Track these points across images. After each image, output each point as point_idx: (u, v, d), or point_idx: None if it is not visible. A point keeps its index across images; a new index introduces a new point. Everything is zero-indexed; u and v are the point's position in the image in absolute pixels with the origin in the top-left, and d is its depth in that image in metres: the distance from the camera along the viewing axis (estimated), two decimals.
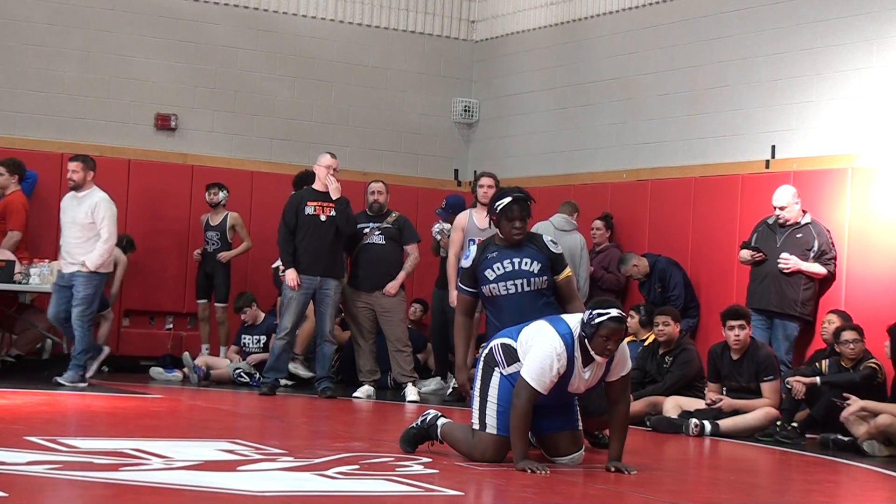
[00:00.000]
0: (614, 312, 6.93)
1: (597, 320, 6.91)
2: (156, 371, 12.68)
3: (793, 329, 10.89)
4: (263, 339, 12.74)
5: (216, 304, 13.33)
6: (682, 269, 12.11)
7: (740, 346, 10.00)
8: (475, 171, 14.99)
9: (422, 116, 15.32)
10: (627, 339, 8.55)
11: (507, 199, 7.57)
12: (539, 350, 6.99)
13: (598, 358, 6.98)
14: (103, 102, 13.84)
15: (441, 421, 7.42)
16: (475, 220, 11.26)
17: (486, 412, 7.16)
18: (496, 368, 7.20)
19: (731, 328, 9.98)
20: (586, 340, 6.95)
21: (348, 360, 12.67)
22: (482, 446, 7.15)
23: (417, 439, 7.46)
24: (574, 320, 7.06)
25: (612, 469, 7.06)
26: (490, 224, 7.76)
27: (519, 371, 7.04)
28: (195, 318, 13.62)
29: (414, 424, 7.51)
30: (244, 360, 12.69)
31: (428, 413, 7.54)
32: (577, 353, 7.01)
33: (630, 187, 13.17)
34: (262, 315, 12.90)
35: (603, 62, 13.83)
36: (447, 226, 11.87)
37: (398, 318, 11.80)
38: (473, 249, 7.77)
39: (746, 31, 12.26)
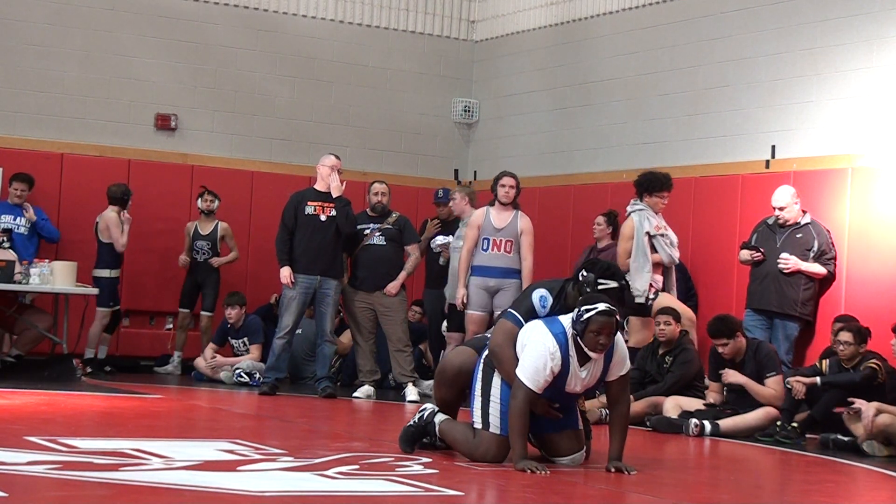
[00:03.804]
0: (602, 306, 6.90)
1: (585, 316, 6.89)
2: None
3: (793, 329, 10.89)
4: (246, 339, 12.90)
5: (202, 313, 13.30)
6: (682, 267, 12.09)
7: (733, 355, 10.04)
8: (474, 172, 15.08)
9: (422, 116, 15.32)
10: None
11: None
12: (532, 350, 6.99)
13: (592, 354, 6.97)
14: (103, 102, 13.84)
15: (438, 417, 7.42)
16: (492, 219, 11.21)
17: (490, 411, 7.15)
18: (496, 370, 7.21)
19: (716, 345, 10.06)
20: (578, 338, 6.95)
21: (349, 361, 12.69)
22: (485, 446, 7.14)
23: (416, 437, 7.45)
24: (568, 320, 7.05)
25: (613, 469, 7.06)
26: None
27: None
28: (196, 318, 13.53)
29: (411, 422, 7.50)
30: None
31: (425, 409, 7.53)
32: (573, 353, 7.00)
33: (630, 187, 13.12)
34: (243, 317, 12.95)
35: (603, 62, 13.83)
36: (450, 238, 11.90)
37: (399, 317, 11.79)
38: (550, 300, 7.31)
39: (746, 31, 12.26)
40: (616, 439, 7.14)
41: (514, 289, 11.04)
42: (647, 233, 10.87)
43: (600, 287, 7.17)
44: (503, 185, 11.19)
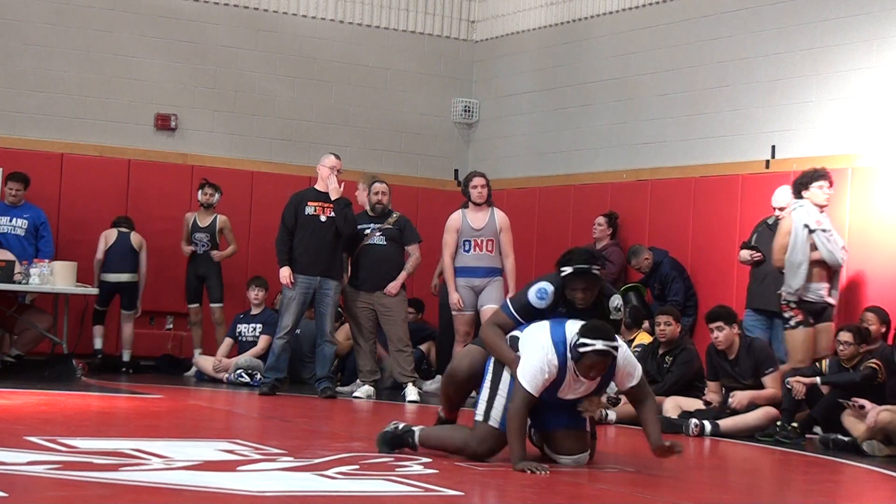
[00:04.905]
0: (600, 346, 6.84)
1: (581, 350, 6.88)
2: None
3: None
4: (259, 327, 12.76)
5: (212, 306, 13.28)
6: (684, 274, 12.10)
7: (725, 346, 10.02)
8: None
9: (422, 116, 15.32)
10: None
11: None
12: (531, 355, 6.99)
13: (583, 379, 7.01)
14: (103, 102, 13.84)
15: (417, 428, 7.33)
16: (469, 220, 11.35)
17: (494, 404, 7.12)
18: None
19: (711, 330, 10.04)
20: (573, 360, 6.95)
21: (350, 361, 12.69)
22: (480, 436, 7.08)
23: (394, 443, 7.34)
24: (573, 331, 6.99)
25: (660, 451, 7.02)
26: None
27: None
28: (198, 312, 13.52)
29: (388, 428, 7.37)
30: (239, 351, 12.73)
31: (397, 423, 7.41)
32: (571, 364, 6.99)
33: (630, 187, 13.18)
34: (263, 306, 12.92)
35: (603, 62, 13.83)
36: None
37: (399, 317, 11.78)
38: (550, 294, 7.33)
39: (746, 31, 12.27)
40: (652, 428, 7.11)
41: (499, 285, 11.31)
42: (806, 225, 10.09)
43: (562, 274, 7.25)
44: (475, 186, 11.41)
